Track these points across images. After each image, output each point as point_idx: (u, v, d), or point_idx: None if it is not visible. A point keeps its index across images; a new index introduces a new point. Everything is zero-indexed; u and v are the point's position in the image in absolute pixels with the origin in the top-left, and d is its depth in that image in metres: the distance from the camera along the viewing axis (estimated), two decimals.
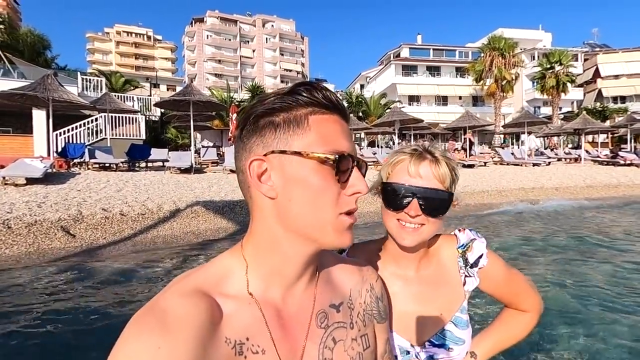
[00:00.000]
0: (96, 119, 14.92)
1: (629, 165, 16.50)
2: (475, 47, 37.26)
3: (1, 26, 25.41)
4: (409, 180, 0.80)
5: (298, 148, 0.52)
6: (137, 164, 12.15)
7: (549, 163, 17.05)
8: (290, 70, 67.56)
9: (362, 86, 49.70)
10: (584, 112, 22.58)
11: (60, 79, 15.06)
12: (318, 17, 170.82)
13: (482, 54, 32.78)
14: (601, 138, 29.74)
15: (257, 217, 0.56)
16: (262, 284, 0.56)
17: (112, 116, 14.95)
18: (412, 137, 20.10)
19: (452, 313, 0.87)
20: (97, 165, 10.97)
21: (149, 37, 67.92)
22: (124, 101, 18.40)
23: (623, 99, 40.88)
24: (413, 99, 41.16)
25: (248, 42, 67.91)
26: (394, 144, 18.73)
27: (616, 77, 42.07)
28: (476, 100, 40.64)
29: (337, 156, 0.52)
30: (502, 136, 31.81)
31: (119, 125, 15.49)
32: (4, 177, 7.39)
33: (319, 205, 0.52)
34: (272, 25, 69.08)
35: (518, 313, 0.97)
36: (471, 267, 0.88)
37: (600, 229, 6.59)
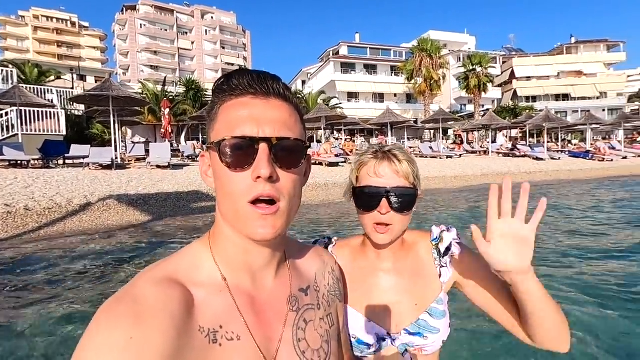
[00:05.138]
0: (7, 114, 13.93)
1: (523, 156, 19.10)
2: (408, 47, 39.71)
3: None
4: (377, 181, 0.84)
5: (209, 141, 0.55)
6: (53, 161, 11.69)
7: (461, 155, 19.15)
8: (232, 64, 66.17)
9: (303, 82, 50.47)
10: (490, 110, 25.54)
11: None
12: (259, 10, 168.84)
13: (413, 55, 35.26)
14: (514, 133, 33.73)
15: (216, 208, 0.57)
16: (230, 272, 0.56)
17: (24, 110, 14.05)
18: (343, 132, 21.30)
19: (428, 304, 0.90)
20: (6, 163, 10.45)
21: (73, 24, 62.44)
22: (42, 94, 17.24)
23: (534, 98, 46.15)
24: (352, 95, 42.89)
25: (186, 33, 65.37)
26: (331, 139, 19.74)
27: (528, 78, 47.34)
28: (410, 97, 43.38)
29: (219, 141, 0.51)
30: (431, 131, 34.57)
31: (33, 121, 14.55)
32: None
33: (225, 194, 0.52)
34: (212, 17, 67.13)
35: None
36: (442, 256, 0.92)
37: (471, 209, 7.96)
